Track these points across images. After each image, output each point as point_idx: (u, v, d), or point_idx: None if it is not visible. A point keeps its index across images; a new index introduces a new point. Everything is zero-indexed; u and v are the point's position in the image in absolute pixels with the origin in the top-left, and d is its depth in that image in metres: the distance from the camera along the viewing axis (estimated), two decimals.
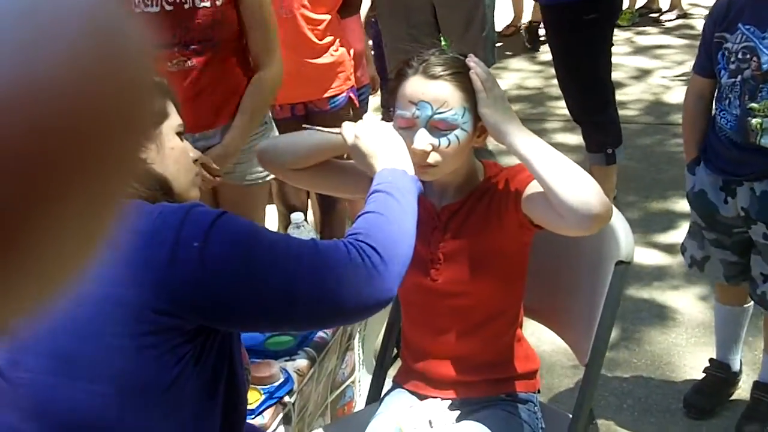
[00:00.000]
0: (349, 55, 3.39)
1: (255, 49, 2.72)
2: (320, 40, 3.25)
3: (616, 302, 1.91)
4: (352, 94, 3.35)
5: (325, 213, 3.58)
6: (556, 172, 1.67)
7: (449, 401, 1.93)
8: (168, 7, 2.58)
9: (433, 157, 1.79)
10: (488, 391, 1.97)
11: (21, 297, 0.39)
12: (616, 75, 6.13)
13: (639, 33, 7.29)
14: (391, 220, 1.53)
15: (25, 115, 0.35)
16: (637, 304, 3.61)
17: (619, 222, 1.92)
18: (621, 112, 5.45)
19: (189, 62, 2.66)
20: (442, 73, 1.77)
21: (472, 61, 1.81)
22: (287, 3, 3.15)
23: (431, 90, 1.77)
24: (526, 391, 2.00)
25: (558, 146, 4.91)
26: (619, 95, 5.78)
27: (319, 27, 3.24)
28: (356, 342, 2.51)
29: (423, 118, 1.77)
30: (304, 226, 2.32)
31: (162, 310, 1.33)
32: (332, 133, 1.87)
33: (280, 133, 3.20)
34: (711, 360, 3.00)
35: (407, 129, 1.79)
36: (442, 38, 4.72)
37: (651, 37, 7.19)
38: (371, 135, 1.73)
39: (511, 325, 1.99)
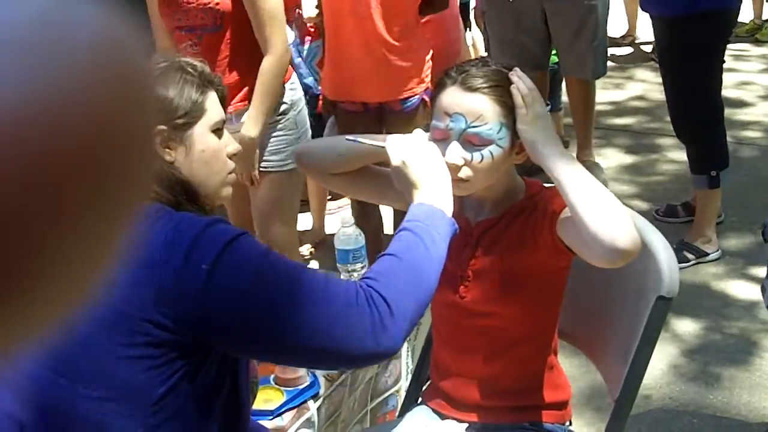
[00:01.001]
0: (427, 55, 3.32)
1: (256, 34, 2.76)
2: (396, 40, 3.20)
3: (654, 338, 1.80)
4: (425, 96, 3.29)
5: (363, 219, 3.55)
6: (588, 200, 1.59)
7: (467, 424, 1.86)
8: None
9: (465, 172, 1.73)
10: (511, 418, 1.89)
11: (29, 320, 0.39)
12: (741, 93, 5.88)
13: None
14: (413, 269, 1.44)
15: (30, 136, 0.35)
16: (724, 338, 3.43)
17: (664, 255, 1.81)
18: (741, 132, 5.23)
19: (196, 47, 2.74)
20: (480, 86, 1.71)
21: (515, 75, 1.73)
22: (365, 2, 3.12)
23: (467, 102, 1.71)
24: (554, 422, 1.91)
25: (669, 164, 4.76)
26: (743, 115, 5.54)
27: (395, 27, 3.19)
28: (404, 351, 2.47)
29: (456, 131, 1.72)
30: (353, 227, 2.29)
31: (161, 324, 1.32)
32: (376, 145, 1.83)
33: (348, 125, 3.20)
34: None
35: (441, 141, 1.74)
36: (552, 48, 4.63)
37: None
38: (418, 162, 1.63)
39: (541, 351, 1.91)
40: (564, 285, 1.88)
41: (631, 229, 1.55)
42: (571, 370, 2.93)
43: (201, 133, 1.60)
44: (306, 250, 4.11)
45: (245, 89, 2.82)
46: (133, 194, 0.41)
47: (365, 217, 3.40)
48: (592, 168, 4.75)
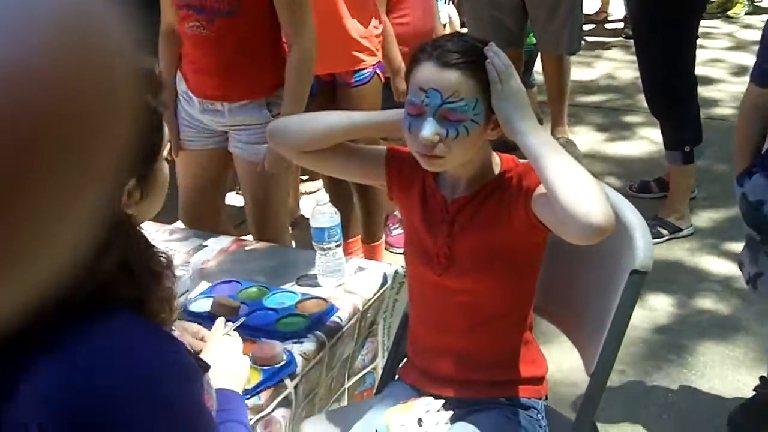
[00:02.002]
0: (378, 28, 3.28)
1: (283, 25, 2.71)
2: (350, 11, 3.15)
3: (628, 313, 1.82)
4: (378, 70, 3.27)
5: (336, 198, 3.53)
6: (562, 176, 1.59)
7: (443, 400, 1.87)
8: None
9: (440, 148, 1.73)
10: (488, 392, 1.90)
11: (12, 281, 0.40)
12: (712, 71, 5.91)
13: (746, 27, 6.97)
14: None
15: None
16: (699, 313, 3.46)
17: (639, 230, 1.82)
18: (714, 110, 5.26)
19: (203, 29, 2.67)
20: (456, 61, 1.70)
21: (490, 50, 1.73)
22: None
23: (442, 78, 1.70)
24: (530, 397, 1.92)
25: (641, 141, 4.79)
26: (714, 92, 5.56)
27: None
28: (380, 329, 2.47)
29: (432, 107, 1.71)
30: (328, 205, 2.28)
31: None
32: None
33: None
34: (762, 378, 2.85)
35: (416, 116, 1.73)
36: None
37: (758, 32, 6.86)
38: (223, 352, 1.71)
39: (517, 327, 1.91)
40: (539, 261, 1.88)
41: (606, 206, 1.56)
42: (547, 346, 2.95)
43: (162, 162, 1.36)
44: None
45: (254, 82, 2.76)
46: (105, 156, 0.41)
47: (339, 196, 3.39)
48: (566, 145, 4.76)
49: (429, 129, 1.71)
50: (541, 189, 1.69)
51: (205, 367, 1.34)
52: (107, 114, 0.40)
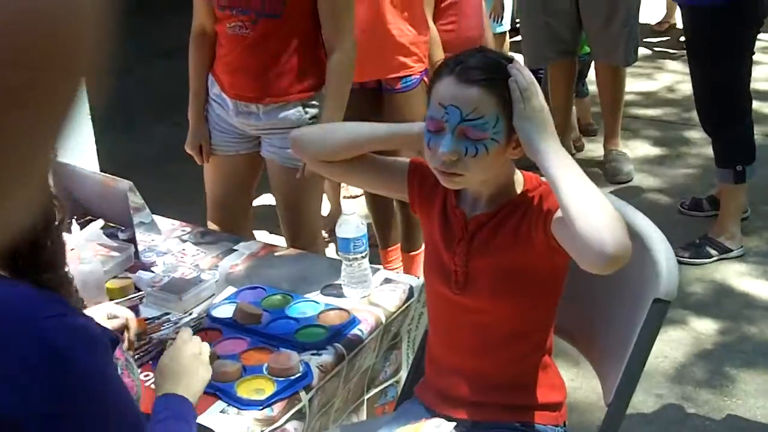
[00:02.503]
0: (426, 35, 3.24)
1: (324, 30, 2.71)
2: (398, 17, 3.13)
3: (649, 343, 1.75)
4: (425, 77, 3.23)
5: (375, 206, 3.50)
6: (578, 202, 1.55)
7: (454, 423, 1.83)
8: None
9: (459, 166, 1.69)
10: (502, 416, 1.86)
11: None
12: None
13: None
14: None
15: None
16: (744, 339, 3.35)
17: (663, 256, 1.76)
18: None
19: (244, 29, 2.68)
20: (477, 78, 1.67)
21: (514, 67, 1.69)
22: None
23: (463, 94, 1.67)
24: (546, 424, 1.87)
25: (697, 157, 4.66)
26: None
27: (398, 3, 3.11)
28: (404, 341, 2.44)
29: (451, 123, 1.68)
30: (355, 215, 2.26)
31: None
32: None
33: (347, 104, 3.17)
34: None
35: (435, 133, 1.70)
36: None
37: None
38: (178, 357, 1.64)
39: (535, 350, 1.87)
40: (561, 283, 1.83)
41: (622, 236, 1.51)
42: (568, 369, 2.89)
43: None
44: (323, 234, 4.08)
45: (292, 84, 2.75)
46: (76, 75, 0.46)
47: (379, 203, 3.37)
48: (619, 158, 4.67)
49: (447, 146, 1.67)
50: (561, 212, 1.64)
51: (115, 340, 1.35)
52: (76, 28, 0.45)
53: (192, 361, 1.65)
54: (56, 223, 1.28)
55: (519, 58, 4.79)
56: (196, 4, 2.84)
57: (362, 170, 1.93)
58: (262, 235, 3.35)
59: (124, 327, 1.95)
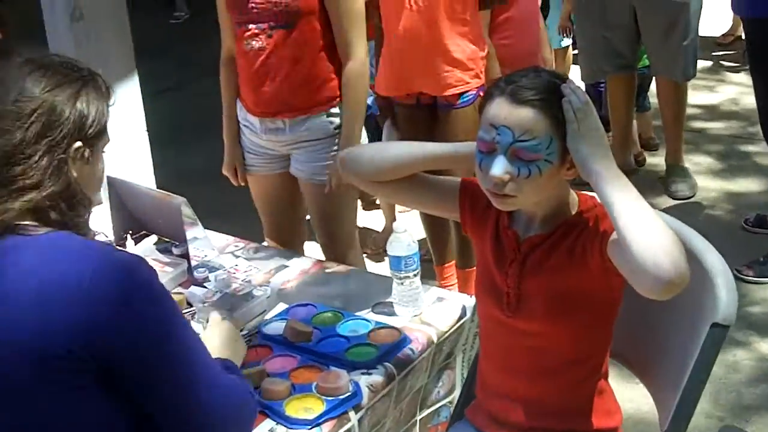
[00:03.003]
0: (483, 50, 3.22)
1: (337, 39, 2.76)
2: (454, 32, 3.11)
3: (707, 369, 1.70)
4: (482, 93, 3.19)
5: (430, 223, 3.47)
6: (634, 226, 1.52)
7: None
8: None
9: (510, 187, 1.66)
10: None
11: None
12: None
13: None
14: None
15: None
16: None
17: (722, 280, 1.71)
18: None
19: (260, 42, 2.73)
20: (529, 98, 1.64)
21: (567, 87, 1.65)
22: None
23: (515, 115, 1.64)
24: None
25: (761, 172, 4.55)
26: None
27: (454, 19, 3.10)
28: (458, 361, 2.41)
29: (503, 145, 1.65)
30: (406, 233, 2.24)
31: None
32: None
33: (405, 121, 3.15)
34: None
35: (487, 154, 1.68)
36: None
37: None
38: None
39: (591, 374, 1.82)
40: (617, 306, 1.79)
41: (679, 261, 1.47)
42: (623, 393, 2.81)
43: (101, 152, 1.59)
44: (378, 249, 4.08)
45: (313, 94, 2.80)
46: None
47: (434, 219, 3.35)
48: (681, 173, 4.58)
49: (499, 167, 1.65)
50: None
51: None
52: None
53: (230, 333, 1.80)
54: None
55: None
56: (224, 30, 2.92)
57: (413, 190, 1.91)
58: (313, 247, 3.35)
59: None
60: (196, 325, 2.15)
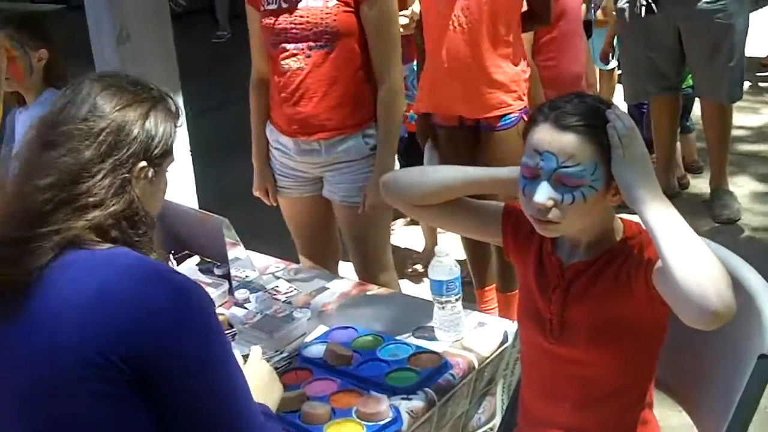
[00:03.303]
0: (526, 73, 3.20)
1: (373, 61, 2.79)
2: (497, 55, 3.10)
3: (754, 401, 1.66)
4: (524, 115, 3.17)
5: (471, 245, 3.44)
6: (680, 255, 1.50)
7: None
8: (284, 5, 2.73)
9: (554, 214, 1.65)
10: None
11: None
12: None
13: None
14: None
15: None
16: None
17: None
18: None
19: (299, 63, 2.75)
20: (573, 124, 1.62)
21: (612, 113, 1.64)
22: (467, 16, 3.03)
23: (559, 141, 1.63)
24: None
25: None
26: None
27: (496, 41, 3.08)
28: (499, 387, 2.38)
29: (547, 171, 1.64)
30: (448, 257, 2.22)
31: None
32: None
33: (446, 143, 3.14)
34: None
35: (531, 179, 1.67)
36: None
37: None
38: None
39: (635, 404, 1.80)
40: (662, 335, 1.77)
41: (725, 291, 1.45)
42: (666, 422, 2.76)
43: (165, 170, 1.59)
44: (419, 269, 4.07)
45: (349, 115, 2.81)
46: None
47: (475, 241, 3.33)
48: (725, 196, 4.52)
49: (543, 194, 1.64)
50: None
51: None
52: None
53: (269, 376, 1.73)
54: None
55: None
56: (254, 52, 2.95)
57: (455, 214, 1.90)
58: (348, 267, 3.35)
59: None
60: (235, 347, 2.15)
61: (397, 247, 4.31)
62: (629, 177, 1.60)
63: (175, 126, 1.59)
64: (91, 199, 1.45)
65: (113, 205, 1.47)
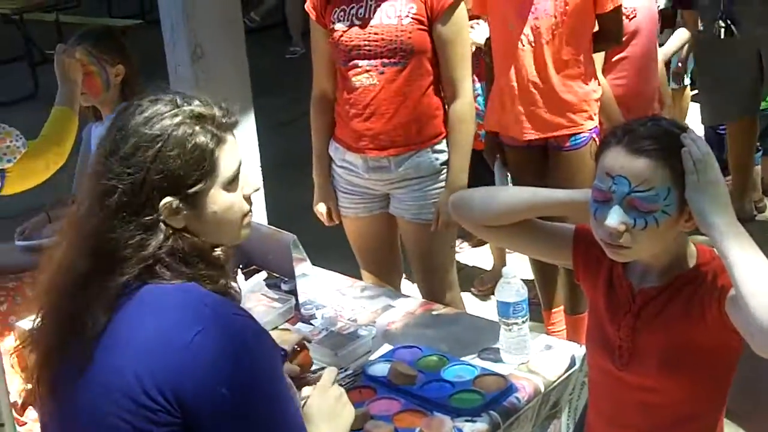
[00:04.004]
0: (597, 93, 3.15)
1: (444, 80, 2.80)
2: (567, 74, 3.07)
3: None
4: (595, 135, 3.12)
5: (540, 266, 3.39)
6: (753, 284, 1.47)
7: None
8: (357, 22, 2.75)
9: (626, 238, 1.62)
10: None
11: None
12: None
13: None
14: None
15: None
16: None
17: None
18: None
19: (371, 79, 2.76)
20: (647, 148, 1.59)
21: (687, 137, 1.60)
22: (537, 34, 3.01)
23: (632, 165, 1.60)
24: None
25: None
26: None
27: (567, 60, 3.05)
28: (564, 411, 2.35)
29: (619, 194, 1.61)
30: (515, 278, 2.20)
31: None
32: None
33: (515, 162, 3.10)
34: None
35: (602, 203, 1.64)
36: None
37: None
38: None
39: None
40: (735, 364, 1.72)
41: None
42: None
43: (213, 194, 1.49)
44: (485, 289, 4.03)
45: (419, 132, 2.81)
46: None
47: (544, 262, 3.29)
48: None
49: (614, 218, 1.61)
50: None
51: (284, 355, 1.66)
52: None
53: (338, 402, 1.64)
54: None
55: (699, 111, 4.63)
56: (317, 70, 2.96)
57: (524, 236, 1.88)
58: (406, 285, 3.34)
59: (294, 349, 2.12)
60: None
61: (465, 265, 4.29)
62: (703, 203, 1.56)
63: (240, 160, 1.54)
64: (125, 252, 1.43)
65: (148, 245, 1.43)
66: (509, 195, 1.90)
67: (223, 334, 1.41)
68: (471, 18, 3.17)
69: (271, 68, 7.47)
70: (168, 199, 1.45)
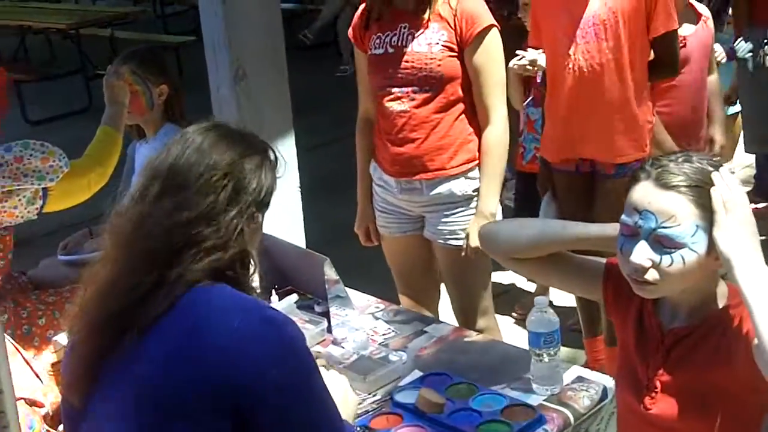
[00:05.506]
0: (651, 124, 3.11)
1: (478, 106, 2.80)
2: (623, 100, 3.03)
3: None
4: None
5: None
6: None
7: None
8: (390, 50, 2.78)
9: (652, 275, 1.59)
10: None
11: None
12: None
13: None
14: None
15: None
16: None
17: None
18: None
19: (403, 105, 2.78)
20: (676, 184, 1.57)
21: (718, 175, 1.57)
22: (595, 60, 2.99)
23: (659, 200, 1.57)
24: None
25: None
26: None
27: (624, 86, 3.02)
28: None
29: (645, 230, 1.59)
30: (546, 309, 2.18)
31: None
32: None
33: (563, 189, 3.08)
34: None
35: (629, 237, 1.62)
36: None
37: None
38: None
39: None
40: (765, 409, 1.68)
41: None
42: None
43: (264, 214, 1.68)
44: (524, 313, 4.00)
45: (449, 158, 2.82)
46: None
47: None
48: None
49: (640, 253, 1.59)
50: None
51: None
52: None
53: (344, 389, 1.81)
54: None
55: None
56: (361, 92, 3.00)
57: (554, 269, 1.86)
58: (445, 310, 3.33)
59: None
60: None
61: (511, 286, 4.24)
62: (729, 243, 1.53)
63: (276, 176, 1.69)
64: (214, 242, 1.55)
65: (232, 248, 1.57)
66: (539, 227, 1.88)
67: (266, 325, 1.54)
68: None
69: (320, 86, 7.52)
70: (254, 208, 1.63)
